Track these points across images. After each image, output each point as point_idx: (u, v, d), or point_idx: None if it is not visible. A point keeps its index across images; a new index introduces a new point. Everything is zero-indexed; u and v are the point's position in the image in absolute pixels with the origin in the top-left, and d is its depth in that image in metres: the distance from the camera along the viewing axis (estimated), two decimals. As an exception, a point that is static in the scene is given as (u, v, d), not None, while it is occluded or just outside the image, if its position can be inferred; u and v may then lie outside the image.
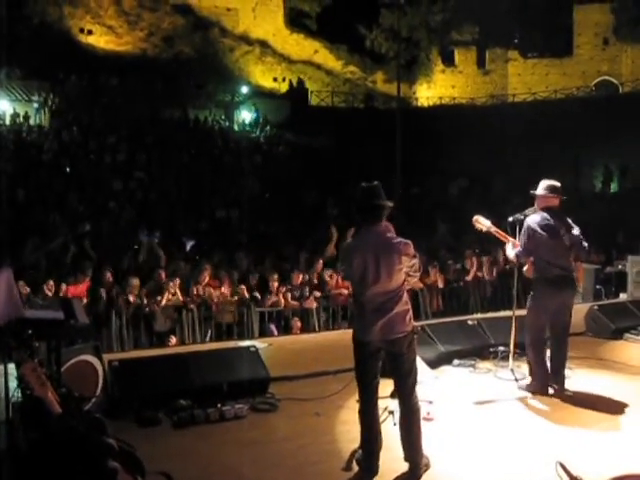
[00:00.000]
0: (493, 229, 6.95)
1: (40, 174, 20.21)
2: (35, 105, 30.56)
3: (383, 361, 4.88)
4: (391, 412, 5.73)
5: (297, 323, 11.67)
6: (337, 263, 5.14)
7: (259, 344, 8.63)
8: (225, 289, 11.59)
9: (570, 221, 6.56)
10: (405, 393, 4.79)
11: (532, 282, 6.61)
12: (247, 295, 11.50)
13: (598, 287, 13.01)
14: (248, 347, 6.84)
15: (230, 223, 19.06)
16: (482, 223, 6.97)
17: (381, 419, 5.67)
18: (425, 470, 4.77)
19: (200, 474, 4.77)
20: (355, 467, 4.81)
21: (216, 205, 20.08)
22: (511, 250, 6.74)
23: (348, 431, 5.43)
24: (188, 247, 15.42)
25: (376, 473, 4.71)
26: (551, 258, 6.39)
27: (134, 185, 20.85)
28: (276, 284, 11.97)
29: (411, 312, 4.84)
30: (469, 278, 13.59)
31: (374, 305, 4.69)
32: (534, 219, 6.48)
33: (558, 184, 6.57)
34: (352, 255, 4.74)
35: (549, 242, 6.37)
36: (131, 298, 10.79)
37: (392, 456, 4.86)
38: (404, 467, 4.74)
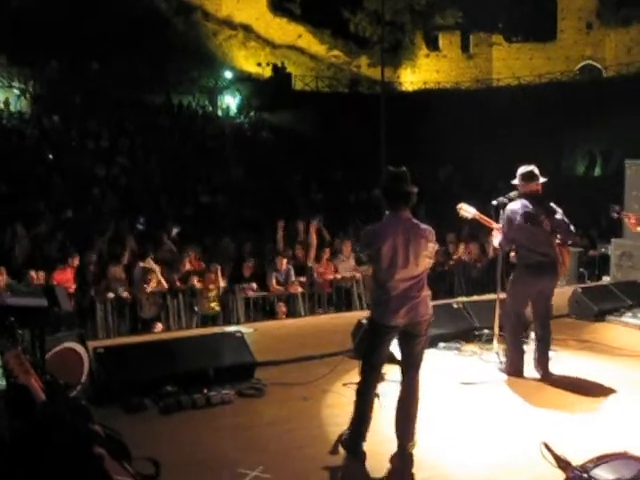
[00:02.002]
0: (478, 215, 6.96)
1: (22, 161, 20.05)
2: (16, 92, 30.25)
3: None
4: (377, 395, 5.74)
5: (282, 308, 11.70)
6: (357, 247, 5.10)
7: (244, 329, 8.66)
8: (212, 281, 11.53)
9: (553, 205, 6.57)
10: (410, 374, 4.85)
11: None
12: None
13: (581, 270, 13.11)
14: (234, 332, 6.83)
15: (215, 209, 19.02)
16: (467, 210, 6.97)
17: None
18: (412, 448, 4.79)
19: (187, 459, 4.76)
20: (342, 451, 4.82)
21: (201, 191, 20.01)
22: (496, 238, 6.76)
23: (335, 415, 5.46)
24: (174, 233, 15.34)
25: (363, 455, 4.73)
26: (531, 244, 6.41)
27: (117, 171, 20.75)
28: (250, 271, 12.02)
29: (430, 297, 4.90)
30: (453, 262, 13.65)
31: (400, 290, 4.71)
32: (512, 207, 6.50)
33: (530, 169, 6.56)
34: (380, 239, 4.71)
35: (528, 229, 6.39)
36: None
37: (378, 439, 4.88)
38: (390, 450, 4.75)
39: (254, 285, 11.87)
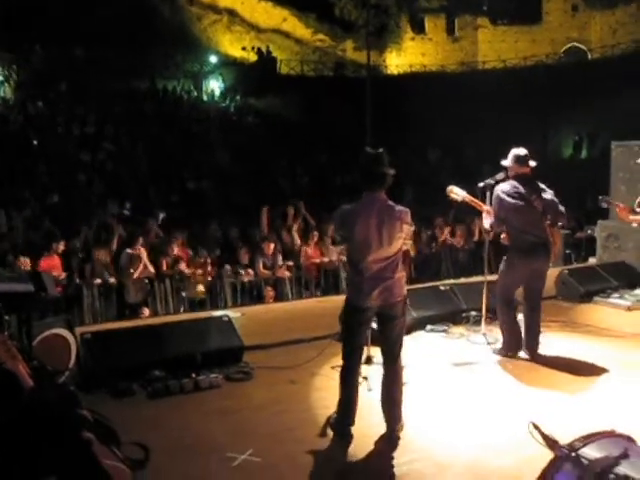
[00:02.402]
0: (468, 198, 6.95)
1: (5, 147, 19.88)
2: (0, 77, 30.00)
3: None
4: (365, 378, 5.76)
5: (270, 292, 11.70)
6: (332, 227, 5.08)
7: (232, 313, 8.64)
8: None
9: (542, 186, 6.57)
10: (392, 357, 4.84)
11: (506, 249, 6.64)
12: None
13: (568, 252, 13.17)
14: (221, 317, 6.81)
15: (201, 194, 18.96)
16: (457, 193, 6.96)
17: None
18: (400, 431, 4.81)
19: (175, 444, 4.75)
20: (330, 433, 4.84)
21: (187, 176, 19.93)
22: (487, 220, 6.76)
23: (323, 398, 5.47)
24: (160, 219, 15.28)
25: (351, 438, 4.74)
26: (523, 225, 6.40)
27: (103, 157, 20.63)
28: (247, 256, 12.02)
29: (405, 278, 4.90)
30: (439, 245, 13.68)
31: (373, 272, 4.70)
32: (502, 187, 6.49)
33: (524, 152, 6.55)
34: (353, 220, 4.71)
35: (519, 209, 6.38)
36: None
37: (366, 422, 4.90)
38: (378, 433, 4.78)
39: (250, 271, 11.87)
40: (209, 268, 11.47)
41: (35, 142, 21.64)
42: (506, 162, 6.62)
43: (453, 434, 4.87)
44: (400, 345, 4.86)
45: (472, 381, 6.01)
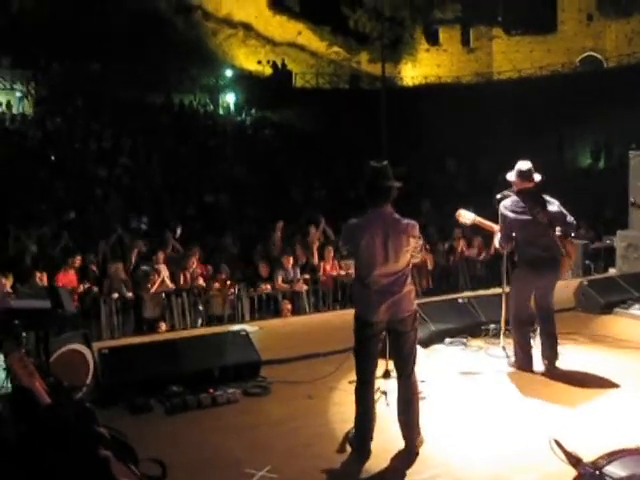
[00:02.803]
0: (477, 220, 6.90)
1: (24, 163, 20.05)
2: (18, 94, 30.28)
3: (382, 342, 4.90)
4: (384, 392, 5.72)
5: (287, 306, 11.67)
6: (339, 242, 5.07)
7: (249, 328, 8.62)
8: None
9: (547, 197, 6.51)
10: (406, 372, 4.79)
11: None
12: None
13: (587, 262, 13.04)
14: (238, 331, 6.80)
15: (218, 208, 19.00)
16: (465, 217, 6.89)
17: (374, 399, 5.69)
18: (420, 446, 4.77)
19: (193, 459, 4.74)
20: (348, 449, 4.80)
21: (203, 190, 19.97)
22: (497, 238, 6.73)
23: (341, 412, 5.43)
24: (178, 233, 15.30)
25: (369, 454, 4.70)
26: (528, 239, 6.36)
27: (120, 172, 20.74)
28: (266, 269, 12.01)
29: (414, 292, 4.86)
30: (457, 257, 13.62)
31: (380, 286, 4.66)
32: (505, 204, 6.46)
33: (527, 167, 6.47)
34: (359, 235, 4.68)
35: (523, 224, 6.34)
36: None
37: (385, 437, 4.86)
38: (397, 448, 4.73)
39: (269, 286, 11.88)
40: (227, 283, 11.45)
41: (53, 157, 21.82)
42: (510, 176, 6.57)
43: (473, 449, 4.82)
44: (414, 359, 4.81)
45: (491, 395, 5.94)
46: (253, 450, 4.83)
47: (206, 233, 15.00)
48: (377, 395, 5.72)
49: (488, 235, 13.51)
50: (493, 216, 6.82)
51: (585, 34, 38.38)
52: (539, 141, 23.26)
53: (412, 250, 4.73)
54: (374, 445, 4.73)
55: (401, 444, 4.74)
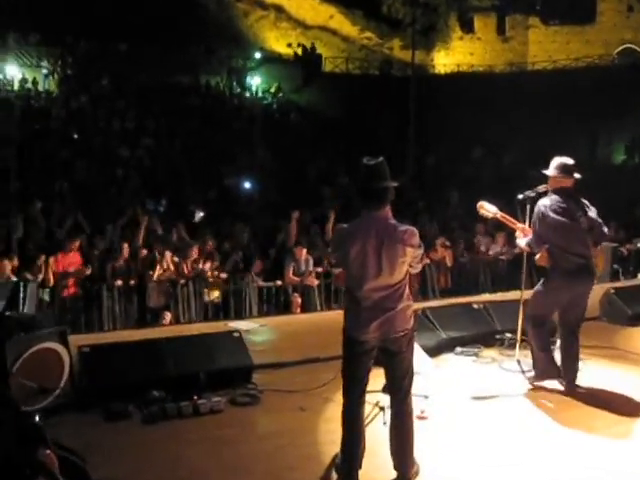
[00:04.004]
0: (499, 215, 6.33)
1: (48, 141, 19.77)
2: (44, 71, 30.02)
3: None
4: (382, 408, 5.24)
5: (297, 299, 11.22)
6: (328, 249, 4.52)
7: (251, 324, 8.20)
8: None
9: (586, 202, 5.93)
10: (399, 395, 4.28)
11: (547, 269, 5.97)
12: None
13: (615, 267, 12.40)
14: (231, 332, 6.30)
15: (240, 192, 18.58)
16: (487, 209, 6.34)
17: (370, 416, 5.21)
18: (414, 478, 4.27)
19: (165, 477, 4.28)
20: (334, 476, 4.31)
21: (226, 173, 19.55)
22: (522, 239, 6.13)
23: (332, 431, 4.88)
24: (197, 218, 14.90)
25: (357, 483, 4.21)
26: (567, 245, 5.75)
27: (142, 153, 20.40)
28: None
29: (412, 308, 4.29)
30: (477, 255, 13.05)
31: (372, 301, 4.12)
32: (545, 202, 5.81)
33: (571, 162, 5.89)
34: (349, 243, 4.12)
35: (564, 227, 5.72)
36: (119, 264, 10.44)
37: (377, 464, 4.37)
38: (389, 476, 4.24)
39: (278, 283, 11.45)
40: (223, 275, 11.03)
41: (75, 136, 21.55)
42: (549, 171, 5.93)
43: (475, 477, 4.29)
44: (410, 380, 4.28)
45: (500, 417, 5.39)
46: (231, 471, 4.38)
47: (223, 218, 14.56)
48: (375, 411, 5.30)
49: (511, 232, 13.02)
50: (514, 213, 6.32)
51: (624, 25, 37.22)
52: (571, 135, 22.49)
53: (410, 261, 4.17)
54: (362, 474, 4.23)
55: (394, 474, 4.24)
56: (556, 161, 5.92)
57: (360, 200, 4.23)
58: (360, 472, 4.23)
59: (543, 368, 6.03)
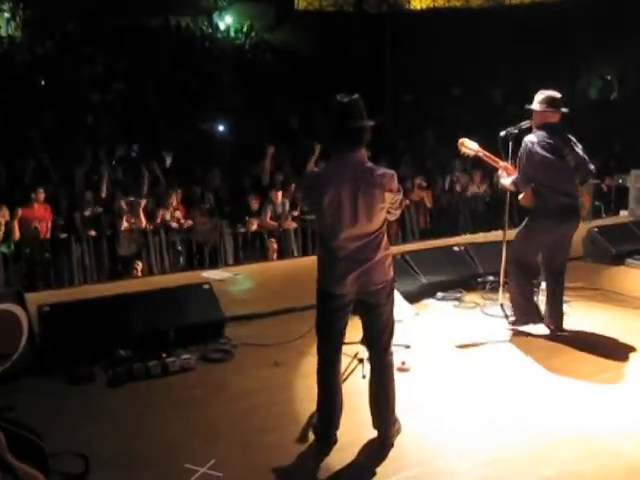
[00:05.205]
0: (481, 153, 5.98)
1: (12, 88, 19.05)
2: (6, 15, 28.90)
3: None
4: (361, 360, 4.99)
5: (274, 245, 10.94)
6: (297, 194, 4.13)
7: (225, 274, 7.92)
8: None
9: (573, 138, 5.61)
10: (378, 350, 3.98)
11: (530, 209, 5.69)
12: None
13: (597, 203, 12.18)
14: (201, 284, 5.97)
15: (214, 136, 18.10)
16: (468, 147, 5.98)
17: (349, 370, 4.97)
18: (396, 436, 4.03)
19: (128, 448, 3.97)
20: (311, 436, 4.05)
21: (199, 117, 19.02)
22: (506, 178, 5.81)
23: (309, 387, 4.55)
24: (167, 162, 14.51)
25: (334, 444, 3.94)
26: (555, 183, 5.44)
27: (112, 97, 19.78)
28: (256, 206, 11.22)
29: (391, 258, 3.94)
30: (457, 194, 12.79)
31: (348, 252, 3.77)
32: (531, 138, 5.47)
33: (558, 95, 5.53)
34: (322, 189, 3.73)
35: (551, 164, 5.41)
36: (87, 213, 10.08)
37: (356, 423, 4.10)
38: (368, 438, 3.99)
39: (254, 220, 11.10)
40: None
41: (42, 82, 20.83)
42: (535, 106, 5.56)
43: (461, 441, 4.01)
44: (390, 333, 3.97)
45: (487, 368, 5.10)
46: (200, 437, 4.07)
47: (197, 162, 14.14)
48: (353, 364, 5.06)
49: (490, 169, 12.74)
50: (496, 152, 6.00)
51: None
52: (550, 70, 22.05)
53: (388, 207, 3.81)
54: (341, 434, 3.98)
55: (374, 433, 4.00)
56: (542, 95, 5.56)
57: (333, 141, 3.83)
58: (338, 432, 3.98)
59: (525, 314, 5.80)
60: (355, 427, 4.09)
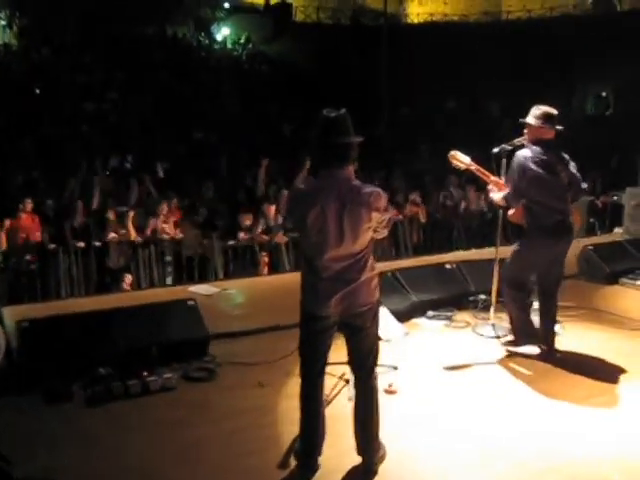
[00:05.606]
0: (473, 167, 5.87)
1: (8, 96, 18.92)
2: (2, 23, 28.82)
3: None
4: (347, 381, 4.85)
5: (265, 259, 10.81)
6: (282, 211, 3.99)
7: (213, 289, 7.78)
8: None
9: (567, 156, 5.49)
10: (363, 373, 3.86)
11: (524, 227, 5.56)
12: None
13: (591, 220, 12.07)
14: (185, 301, 5.83)
15: (208, 146, 17.99)
16: (460, 160, 5.88)
17: (334, 390, 4.85)
18: (380, 463, 3.89)
19: (105, 472, 3.85)
20: (293, 462, 3.91)
21: (194, 127, 18.92)
22: (497, 193, 5.69)
23: (293, 409, 4.40)
24: (160, 173, 14.39)
25: (316, 470, 3.81)
26: (547, 200, 5.32)
27: (108, 107, 19.68)
28: (249, 222, 11.08)
29: (377, 279, 3.81)
30: (450, 209, 12.69)
31: (332, 272, 3.64)
32: (524, 154, 5.34)
33: (555, 112, 5.42)
34: (306, 206, 3.60)
35: (544, 181, 5.28)
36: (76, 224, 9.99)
37: (341, 449, 3.95)
38: (353, 464, 3.86)
39: (244, 235, 10.98)
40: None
41: (37, 91, 20.73)
42: (531, 120, 5.42)
43: (447, 469, 3.89)
44: (375, 357, 3.85)
45: (476, 392, 4.97)
46: (180, 461, 3.94)
47: (190, 173, 14.02)
48: (340, 385, 4.93)
49: (485, 185, 12.64)
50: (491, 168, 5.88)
51: (599, -27, 36.59)
52: (547, 85, 22.03)
53: (375, 227, 3.69)
54: (324, 459, 3.84)
55: (358, 459, 3.86)
56: (538, 110, 5.42)
57: (319, 157, 3.71)
58: (321, 458, 3.84)
59: (521, 333, 5.67)
60: (339, 453, 3.95)
